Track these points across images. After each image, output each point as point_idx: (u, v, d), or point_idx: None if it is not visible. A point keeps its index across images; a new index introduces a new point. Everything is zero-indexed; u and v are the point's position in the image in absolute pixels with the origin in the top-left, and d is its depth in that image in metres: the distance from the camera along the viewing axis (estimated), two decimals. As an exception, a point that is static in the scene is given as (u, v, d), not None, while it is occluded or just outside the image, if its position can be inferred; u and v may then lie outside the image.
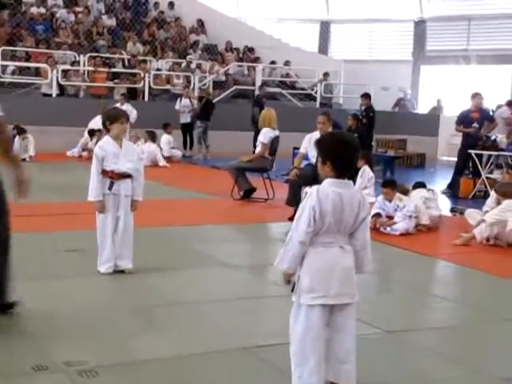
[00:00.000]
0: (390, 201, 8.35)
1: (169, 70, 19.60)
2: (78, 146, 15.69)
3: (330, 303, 3.42)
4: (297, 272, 3.43)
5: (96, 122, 15.61)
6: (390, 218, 8.23)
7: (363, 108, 14.92)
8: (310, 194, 3.43)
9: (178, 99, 17.10)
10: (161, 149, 15.26)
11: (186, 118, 16.88)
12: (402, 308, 5.49)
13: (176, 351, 4.12)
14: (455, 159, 13.19)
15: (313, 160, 8.95)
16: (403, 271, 6.82)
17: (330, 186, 3.41)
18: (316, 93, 20.99)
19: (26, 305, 4.87)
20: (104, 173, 5.62)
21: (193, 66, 19.90)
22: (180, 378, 3.80)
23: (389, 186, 8.52)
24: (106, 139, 5.74)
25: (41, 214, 8.28)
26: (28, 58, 18.38)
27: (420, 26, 25.53)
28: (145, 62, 19.08)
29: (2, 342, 4.13)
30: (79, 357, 3.88)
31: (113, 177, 5.62)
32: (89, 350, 4.04)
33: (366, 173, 10.88)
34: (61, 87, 17.39)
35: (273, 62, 22.04)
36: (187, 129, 17.01)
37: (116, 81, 18.34)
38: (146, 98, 18.33)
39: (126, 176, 5.66)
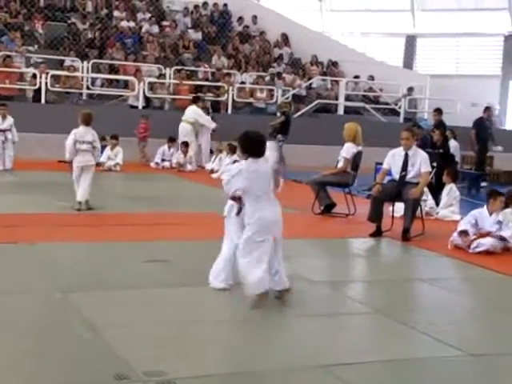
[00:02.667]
0: (491, 214, 8.00)
1: (252, 84, 19.75)
2: (157, 155, 15.94)
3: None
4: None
5: (182, 132, 16.00)
6: (482, 235, 7.89)
7: (435, 123, 14.35)
8: (241, 165, 5.38)
9: None
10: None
11: None
12: (488, 330, 5.31)
13: (253, 366, 4.11)
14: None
15: (396, 176, 8.82)
16: (490, 292, 6.59)
17: (251, 163, 5.31)
18: (400, 108, 20.70)
19: (108, 314, 4.97)
20: (233, 198, 5.57)
21: (276, 79, 19.98)
22: (257, 393, 3.79)
23: (498, 195, 8.07)
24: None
25: (124, 224, 8.44)
26: (117, 70, 18.89)
27: (510, 40, 24.84)
28: (229, 75, 19.31)
29: (85, 351, 4.21)
30: (159, 367, 3.91)
31: (241, 203, 5.52)
32: (168, 361, 4.07)
33: (452, 191, 10.65)
34: (147, 99, 17.80)
35: (356, 77, 21.89)
36: None
37: (200, 94, 18.61)
38: (230, 111, 18.52)
39: None
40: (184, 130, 15.92)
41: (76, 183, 9.25)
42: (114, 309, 5.14)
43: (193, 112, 16.02)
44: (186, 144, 15.63)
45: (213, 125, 16.14)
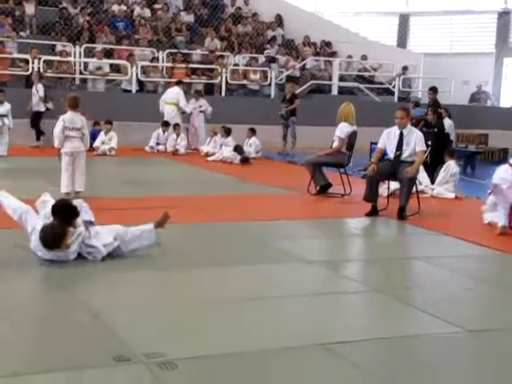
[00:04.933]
0: None
1: (246, 65, 19.68)
2: (152, 139, 15.88)
3: None
4: None
5: (169, 115, 15.93)
6: None
7: (430, 102, 14.32)
8: None
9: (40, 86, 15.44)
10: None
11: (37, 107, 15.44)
12: (485, 307, 5.34)
13: (253, 346, 4.12)
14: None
15: (391, 155, 8.82)
16: (487, 269, 6.62)
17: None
18: (394, 87, 20.67)
19: (106, 296, 4.99)
20: None
21: (270, 60, 19.91)
22: (257, 373, 3.80)
23: None
24: None
25: (119, 208, 8.41)
26: (109, 54, 18.77)
27: (504, 17, 24.77)
28: (222, 57, 19.22)
29: (84, 333, 4.23)
30: (158, 349, 3.93)
31: None
32: (167, 342, 4.08)
33: (449, 168, 10.68)
34: (140, 83, 17.72)
35: (350, 56, 21.83)
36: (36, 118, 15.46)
37: (193, 76, 18.54)
38: (223, 93, 18.46)
39: None
40: (171, 112, 15.94)
41: (65, 171, 8.85)
42: (112, 291, 5.16)
43: (176, 93, 16.04)
44: (178, 126, 15.64)
45: (188, 109, 16.10)
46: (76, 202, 6.08)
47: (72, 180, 8.94)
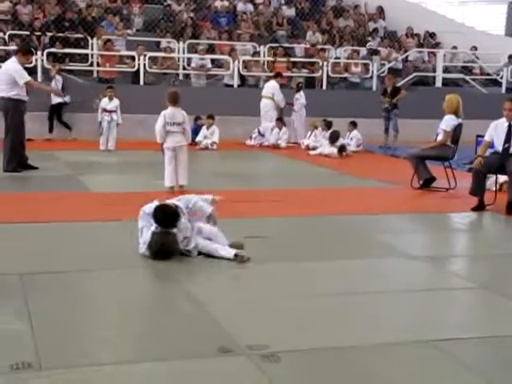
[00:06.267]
0: None
1: (347, 58, 19.50)
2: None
3: None
4: None
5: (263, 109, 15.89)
6: None
7: None
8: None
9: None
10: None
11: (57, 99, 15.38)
12: None
13: (355, 341, 4.08)
14: None
15: (499, 148, 8.52)
16: None
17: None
18: (502, 78, 19.93)
19: (211, 289, 5.07)
20: None
21: (372, 53, 19.65)
22: (360, 368, 3.75)
23: None
24: None
25: (222, 200, 8.50)
26: (212, 49, 19.06)
27: None
28: (323, 50, 19.12)
29: (189, 326, 4.31)
30: (261, 341, 3.96)
31: None
32: (270, 334, 4.11)
33: None
34: (242, 78, 17.90)
35: (455, 47, 21.21)
36: (55, 111, 15.61)
37: (294, 70, 18.54)
38: (324, 87, 18.38)
39: None
40: (264, 107, 15.98)
41: (169, 165, 9.01)
42: (218, 283, 5.25)
43: (272, 87, 16.05)
44: (280, 120, 15.66)
45: (282, 103, 16.03)
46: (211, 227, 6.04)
47: (175, 174, 9.13)
